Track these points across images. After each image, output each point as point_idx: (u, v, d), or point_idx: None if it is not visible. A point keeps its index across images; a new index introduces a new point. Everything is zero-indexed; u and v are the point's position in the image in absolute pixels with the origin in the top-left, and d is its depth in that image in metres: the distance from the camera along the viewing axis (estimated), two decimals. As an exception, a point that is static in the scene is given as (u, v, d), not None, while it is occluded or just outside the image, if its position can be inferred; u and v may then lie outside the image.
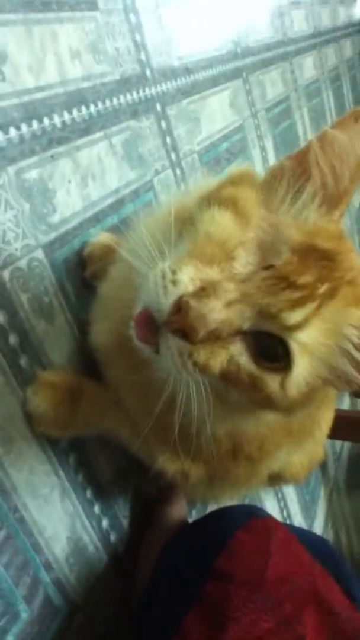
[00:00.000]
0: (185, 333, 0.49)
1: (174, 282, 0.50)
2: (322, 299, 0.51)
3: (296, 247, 0.52)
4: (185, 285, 0.50)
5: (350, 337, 0.52)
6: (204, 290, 0.50)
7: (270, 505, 1.57)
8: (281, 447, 0.75)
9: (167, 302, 0.50)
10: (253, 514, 0.81)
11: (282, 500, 1.66)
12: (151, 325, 0.52)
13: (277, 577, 0.69)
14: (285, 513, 1.67)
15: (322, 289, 0.51)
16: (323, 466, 2.11)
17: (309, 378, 0.53)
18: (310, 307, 0.51)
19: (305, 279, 0.51)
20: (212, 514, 0.88)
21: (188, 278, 0.51)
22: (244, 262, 0.53)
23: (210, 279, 0.51)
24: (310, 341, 0.51)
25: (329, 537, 2.09)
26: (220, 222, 0.55)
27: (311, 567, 0.75)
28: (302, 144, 2.07)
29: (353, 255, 0.56)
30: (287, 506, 1.69)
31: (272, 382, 0.52)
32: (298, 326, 0.51)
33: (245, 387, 0.53)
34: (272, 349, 0.52)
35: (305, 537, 0.84)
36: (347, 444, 2.47)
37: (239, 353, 0.52)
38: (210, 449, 0.70)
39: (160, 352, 0.52)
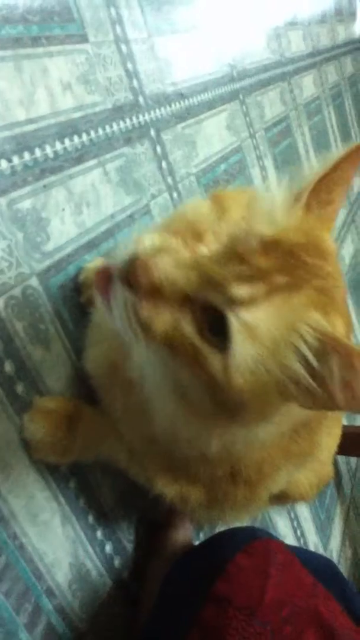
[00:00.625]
0: (131, 283, 0.51)
1: (137, 243, 0.53)
2: (278, 288, 0.50)
3: (267, 240, 0.52)
4: (144, 245, 0.53)
5: (305, 337, 0.49)
6: (159, 251, 0.52)
7: (283, 525, 1.56)
8: (280, 469, 0.74)
9: (124, 258, 0.52)
10: (254, 536, 0.80)
11: (295, 520, 1.64)
12: (109, 281, 0.54)
13: (277, 600, 0.68)
14: (299, 532, 1.65)
15: (280, 279, 0.50)
16: (338, 484, 2.08)
17: (256, 368, 0.50)
18: (260, 287, 0.50)
19: (262, 262, 0.51)
20: (214, 537, 0.87)
21: (150, 241, 0.53)
22: (209, 245, 0.54)
23: (169, 244, 0.53)
24: (255, 323, 0.49)
25: (347, 556, 2.06)
26: (198, 206, 0.57)
27: (313, 589, 0.74)
28: (304, 161, 2.09)
29: (337, 269, 0.56)
30: (301, 525, 1.67)
31: (214, 359, 0.51)
32: (242, 302, 0.50)
33: (189, 359, 0.52)
34: (219, 327, 0.51)
35: (309, 558, 0.83)
36: (363, 460, 2.44)
37: (184, 321, 0.52)
38: (208, 473, 0.70)
39: (111, 305, 0.54)
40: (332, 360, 0.48)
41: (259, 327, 0.50)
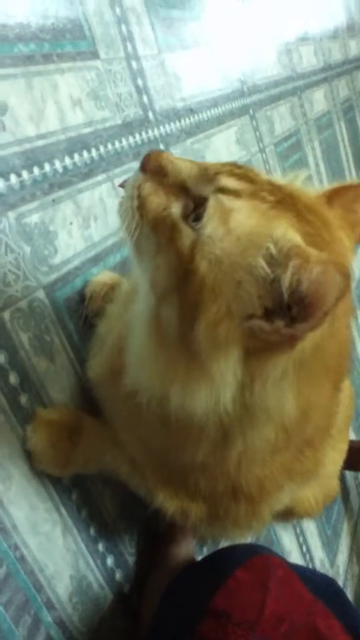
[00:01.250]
0: (144, 166, 0.59)
1: None
2: (264, 199, 0.54)
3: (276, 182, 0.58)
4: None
5: (275, 243, 0.50)
6: None
7: (288, 540, 1.55)
8: (282, 487, 0.74)
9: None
10: (255, 552, 0.80)
11: (301, 535, 1.63)
12: None
13: (275, 615, 0.68)
14: (304, 548, 1.64)
15: (269, 197, 0.54)
16: (345, 499, 2.06)
17: (221, 258, 0.52)
18: (247, 187, 0.55)
19: (263, 181, 0.56)
20: (215, 553, 0.87)
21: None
22: None
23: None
24: (230, 208, 0.53)
25: (354, 572, 2.04)
26: None
27: (312, 605, 0.73)
28: (314, 174, 2.10)
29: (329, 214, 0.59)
30: (307, 540, 1.66)
31: (187, 237, 0.54)
32: (226, 190, 0.54)
33: (166, 239, 0.56)
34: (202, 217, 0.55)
35: (310, 576, 0.83)
36: (371, 476, 2.42)
37: (174, 205, 0.57)
38: (208, 487, 0.70)
39: (125, 187, 0.61)
40: (290, 263, 0.48)
41: (234, 215, 0.53)
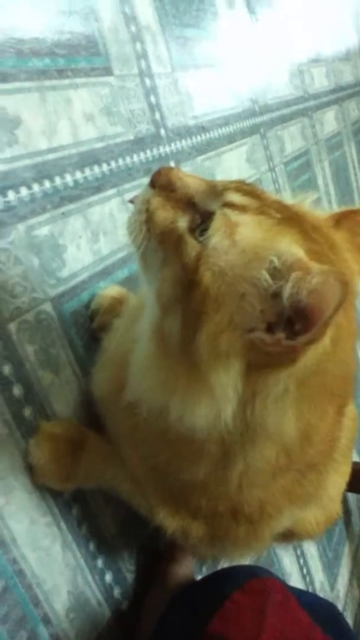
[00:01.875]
0: (153, 182, 0.61)
1: None
2: (270, 215, 0.55)
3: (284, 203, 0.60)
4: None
5: (279, 257, 0.51)
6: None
7: (289, 562, 1.53)
8: (283, 510, 0.73)
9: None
10: (254, 575, 0.79)
11: (301, 557, 1.61)
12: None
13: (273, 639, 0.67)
14: (304, 570, 1.62)
15: (276, 213, 0.55)
16: (347, 522, 2.04)
17: (225, 269, 0.53)
18: (254, 203, 0.56)
19: (270, 200, 0.58)
20: (214, 574, 0.87)
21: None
22: None
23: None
24: (236, 222, 0.54)
25: (354, 596, 2.01)
26: None
27: (310, 630, 0.72)
28: (323, 195, 2.11)
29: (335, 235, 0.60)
30: (307, 563, 1.64)
31: (192, 248, 0.55)
32: (233, 205, 0.56)
33: (172, 251, 0.57)
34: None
35: (310, 601, 0.82)
36: (374, 499, 2.39)
37: (182, 219, 0.58)
38: (209, 507, 0.70)
39: (135, 201, 0.63)
40: (292, 275, 0.48)
41: (239, 229, 0.53)
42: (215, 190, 0.58)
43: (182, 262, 0.56)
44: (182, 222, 0.58)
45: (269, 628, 0.68)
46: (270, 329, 0.51)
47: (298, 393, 0.55)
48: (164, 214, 0.59)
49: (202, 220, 0.57)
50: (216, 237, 0.54)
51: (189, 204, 0.59)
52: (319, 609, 0.80)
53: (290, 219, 0.55)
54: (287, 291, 0.48)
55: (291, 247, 0.51)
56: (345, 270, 0.56)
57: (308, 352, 0.50)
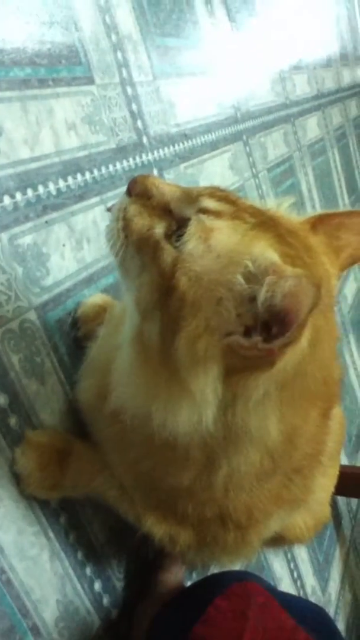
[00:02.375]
0: (130, 190, 0.62)
1: None
2: (244, 220, 0.56)
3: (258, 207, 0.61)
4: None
5: (254, 261, 0.51)
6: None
7: (279, 566, 1.53)
8: (271, 515, 0.74)
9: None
10: (237, 579, 0.79)
11: (292, 561, 1.61)
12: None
13: None
14: (295, 574, 1.62)
15: (250, 218, 0.56)
16: (338, 525, 2.05)
17: (201, 274, 0.53)
18: (229, 209, 0.56)
19: (240, 200, 0.59)
20: (202, 580, 0.87)
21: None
22: None
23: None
24: (211, 227, 0.55)
25: (346, 600, 2.01)
26: None
27: (293, 632, 0.72)
28: (307, 200, 2.12)
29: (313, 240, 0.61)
30: (298, 567, 1.64)
31: (169, 254, 0.56)
32: (207, 211, 0.56)
33: (149, 257, 0.58)
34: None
35: (299, 605, 0.82)
36: (364, 502, 2.40)
37: (158, 225, 0.59)
38: (196, 513, 0.70)
39: (112, 209, 0.63)
40: (266, 279, 0.49)
41: (214, 234, 0.54)
42: (191, 197, 0.59)
43: (159, 268, 0.56)
44: (159, 229, 0.59)
45: (250, 632, 0.69)
46: (247, 332, 0.52)
47: (279, 396, 0.55)
48: (141, 221, 0.60)
49: (178, 227, 0.58)
50: (191, 242, 0.55)
51: (165, 210, 0.60)
52: (308, 614, 0.80)
53: (265, 223, 0.56)
54: (262, 295, 0.49)
55: (265, 251, 0.52)
56: (321, 273, 0.57)
57: (286, 354, 0.51)
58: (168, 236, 0.58)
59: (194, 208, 0.58)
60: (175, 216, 0.59)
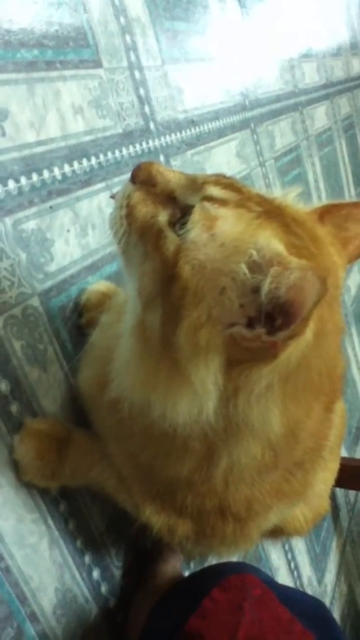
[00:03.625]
0: (134, 177, 0.61)
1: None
2: (250, 208, 0.54)
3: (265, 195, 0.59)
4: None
5: (259, 251, 0.50)
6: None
7: (276, 557, 1.53)
8: (270, 508, 0.73)
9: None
10: (233, 571, 0.79)
11: (289, 552, 1.62)
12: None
13: (250, 636, 0.67)
14: (292, 565, 1.62)
15: (256, 207, 0.54)
16: (335, 517, 2.05)
17: (205, 263, 0.53)
18: (234, 197, 0.55)
19: (245, 188, 0.58)
20: (200, 571, 0.87)
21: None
22: None
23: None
24: (215, 215, 0.54)
25: (342, 591, 2.02)
26: None
27: (289, 625, 0.72)
28: (313, 191, 2.11)
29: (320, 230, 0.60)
30: (295, 558, 1.65)
31: (172, 242, 0.55)
32: (212, 199, 0.55)
33: (152, 245, 0.57)
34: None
35: (298, 598, 0.82)
36: (361, 494, 2.41)
37: (162, 213, 0.58)
38: (196, 504, 0.69)
39: (116, 196, 0.63)
40: (271, 270, 0.48)
41: (219, 222, 0.53)
42: (195, 185, 0.58)
43: (161, 256, 0.55)
44: (162, 216, 0.58)
45: (246, 625, 0.68)
46: (250, 324, 0.51)
47: (282, 389, 0.55)
48: (145, 208, 0.59)
49: (182, 215, 0.57)
50: (195, 230, 0.54)
51: (169, 198, 0.59)
52: (306, 607, 0.80)
53: (271, 212, 0.55)
54: (266, 287, 0.48)
55: (271, 241, 0.51)
56: (328, 264, 0.56)
57: (290, 346, 0.50)
58: (172, 224, 0.57)
59: (199, 196, 0.57)
60: (180, 204, 0.58)
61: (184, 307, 0.53)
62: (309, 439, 0.68)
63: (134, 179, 0.61)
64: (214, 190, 0.56)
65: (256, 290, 0.50)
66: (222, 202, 0.55)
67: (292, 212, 0.57)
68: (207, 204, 0.55)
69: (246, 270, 0.50)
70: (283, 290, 0.47)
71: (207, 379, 0.53)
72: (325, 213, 0.64)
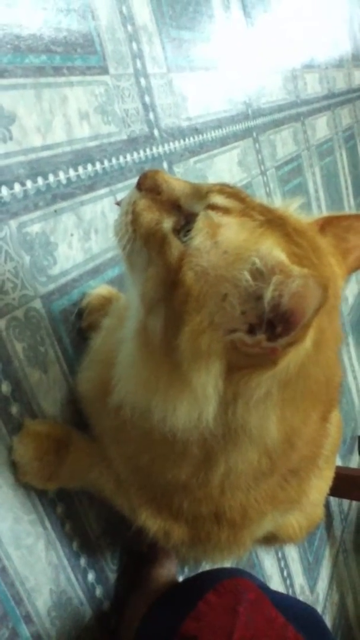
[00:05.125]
0: (140, 185, 0.62)
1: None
2: (253, 217, 0.55)
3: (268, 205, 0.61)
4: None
5: (261, 259, 0.51)
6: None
7: (270, 564, 1.54)
8: (265, 515, 0.74)
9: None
10: (228, 575, 0.79)
11: (282, 560, 1.62)
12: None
13: (244, 639, 0.68)
14: (285, 573, 1.63)
15: (259, 216, 0.56)
16: (328, 526, 2.06)
17: (208, 270, 0.53)
18: (237, 206, 0.56)
19: (249, 198, 0.59)
20: (195, 576, 0.87)
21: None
22: None
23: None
24: (219, 223, 0.55)
25: (333, 600, 2.02)
26: None
27: (283, 630, 0.72)
28: (313, 200, 2.12)
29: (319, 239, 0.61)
30: (288, 566, 1.65)
31: (175, 248, 0.56)
32: (216, 207, 0.56)
33: (156, 251, 0.58)
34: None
35: (291, 604, 0.82)
36: (355, 504, 2.41)
37: (166, 220, 0.59)
38: (192, 509, 0.70)
39: (121, 203, 0.64)
40: (273, 278, 0.49)
41: (222, 230, 0.54)
42: (200, 193, 0.59)
43: (165, 262, 0.56)
44: (167, 223, 0.59)
45: (241, 628, 0.69)
46: (251, 330, 0.52)
47: (281, 396, 0.55)
48: (150, 215, 0.60)
49: (186, 222, 0.58)
50: (199, 237, 0.55)
51: (174, 206, 0.60)
52: (299, 613, 0.80)
53: (273, 222, 0.56)
54: (268, 294, 0.49)
55: (273, 250, 0.51)
56: (328, 274, 0.57)
57: (289, 354, 0.50)
58: (176, 231, 0.58)
59: (203, 204, 0.58)
60: (184, 212, 0.59)
61: (186, 312, 0.54)
62: (305, 447, 0.69)
63: (139, 186, 0.62)
64: (218, 199, 0.57)
65: (258, 297, 0.50)
66: (226, 211, 0.56)
67: (293, 222, 0.58)
68: (211, 212, 0.56)
69: (249, 278, 0.51)
70: (285, 298, 0.48)
71: (207, 384, 0.54)
72: (326, 224, 0.65)
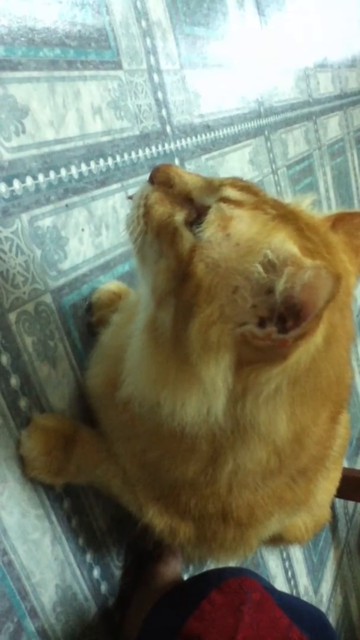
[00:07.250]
0: (152, 178, 0.62)
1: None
2: (265, 210, 0.55)
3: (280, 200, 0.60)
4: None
5: (273, 252, 0.51)
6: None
7: (274, 565, 1.53)
8: (272, 515, 0.73)
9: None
10: (232, 575, 0.79)
11: (287, 560, 1.61)
12: None
13: (248, 639, 0.67)
14: (289, 573, 1.62)
15: (271, 210, 0.55)
16: (334, 527, 2.05)
17: (219, 262, 0.53)
18: (250, 199, 0.56)
19: (261, 192, 0.59)
20: (200, 575, 0.86)
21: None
22: None
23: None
24: (231, 215, 0.54)
25: (337, 602, 2.02)
26: None
27: (287, 631, 0.72)
28: (323, 200, 2.11)
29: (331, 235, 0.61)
30: (292, 566, 1.65)
31: (187, 240, 0.56)
32: (228, 200, 0.56)
33: (167, 244, 0.57)
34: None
35: (297, 606, 0.82)
36: (360, 505, 2.40)
37: (178, 213, 0.59)
38: (199, 507, 0.69)
39: (133, 197, 0.63)
40: (285, 270, 0.49)
41: (234, 222, 0.54)
42: (212, 186, 0.59)
43: (176, 254, 0.56)
44: (179, 216, 0.59)
45: (244, 628, 0.68)
46: (261, 323, 0.51)
47: (291, 393, 0.55)
48: (162, 208, 0.60)
49: (198, 215, 0.58)
50: (210, 229, 0.54)
51: (186, 199, 0.60)
52: (305, 614, 0.80)
53: (286, 216, 0.55)
54: (280, 286, 0.48)
55: (285, 243, 0.51)
56: (340, 270, 0.57)
57: (300, 347, 0.50)
58: (188, 224, 0.58)
59: (215, 197, 0.57)
60: (196, 205, 0.59)
61: (197, 304, 0.53)
62: (314, 447, 0.68)
63: (152, 180, 0.62)
64: (230, 192, 0.57)
65: (269, 290, 0.50)
66: (238, 204, 0.56)
67: (306, 218, 0.58)
68: (223, 205, 0.55)
69: (260, 270, 0.51)
70: (297, 290, 0.47)
71: (216, 377, 0.54)
72: (338, 221, 0.64)
